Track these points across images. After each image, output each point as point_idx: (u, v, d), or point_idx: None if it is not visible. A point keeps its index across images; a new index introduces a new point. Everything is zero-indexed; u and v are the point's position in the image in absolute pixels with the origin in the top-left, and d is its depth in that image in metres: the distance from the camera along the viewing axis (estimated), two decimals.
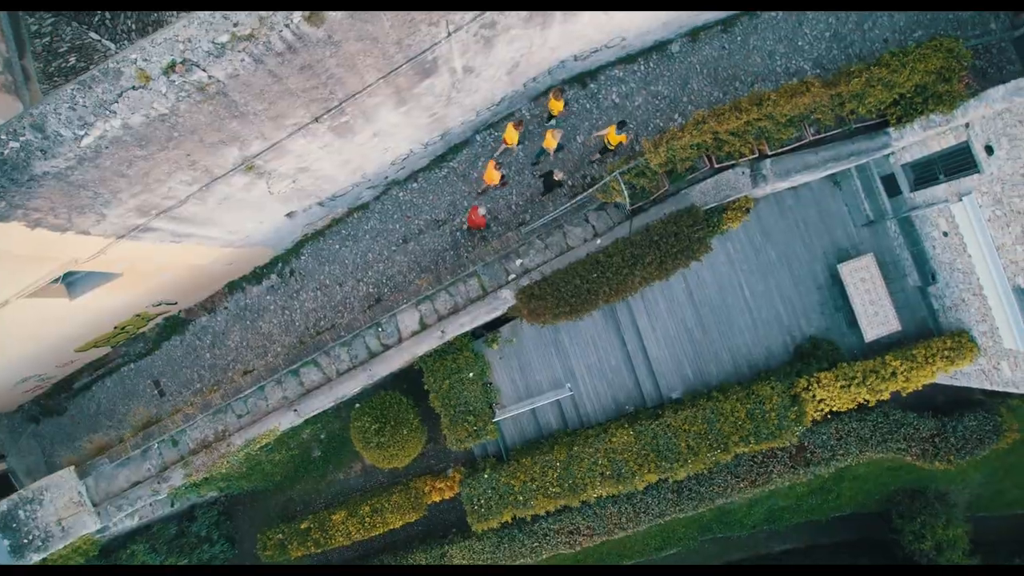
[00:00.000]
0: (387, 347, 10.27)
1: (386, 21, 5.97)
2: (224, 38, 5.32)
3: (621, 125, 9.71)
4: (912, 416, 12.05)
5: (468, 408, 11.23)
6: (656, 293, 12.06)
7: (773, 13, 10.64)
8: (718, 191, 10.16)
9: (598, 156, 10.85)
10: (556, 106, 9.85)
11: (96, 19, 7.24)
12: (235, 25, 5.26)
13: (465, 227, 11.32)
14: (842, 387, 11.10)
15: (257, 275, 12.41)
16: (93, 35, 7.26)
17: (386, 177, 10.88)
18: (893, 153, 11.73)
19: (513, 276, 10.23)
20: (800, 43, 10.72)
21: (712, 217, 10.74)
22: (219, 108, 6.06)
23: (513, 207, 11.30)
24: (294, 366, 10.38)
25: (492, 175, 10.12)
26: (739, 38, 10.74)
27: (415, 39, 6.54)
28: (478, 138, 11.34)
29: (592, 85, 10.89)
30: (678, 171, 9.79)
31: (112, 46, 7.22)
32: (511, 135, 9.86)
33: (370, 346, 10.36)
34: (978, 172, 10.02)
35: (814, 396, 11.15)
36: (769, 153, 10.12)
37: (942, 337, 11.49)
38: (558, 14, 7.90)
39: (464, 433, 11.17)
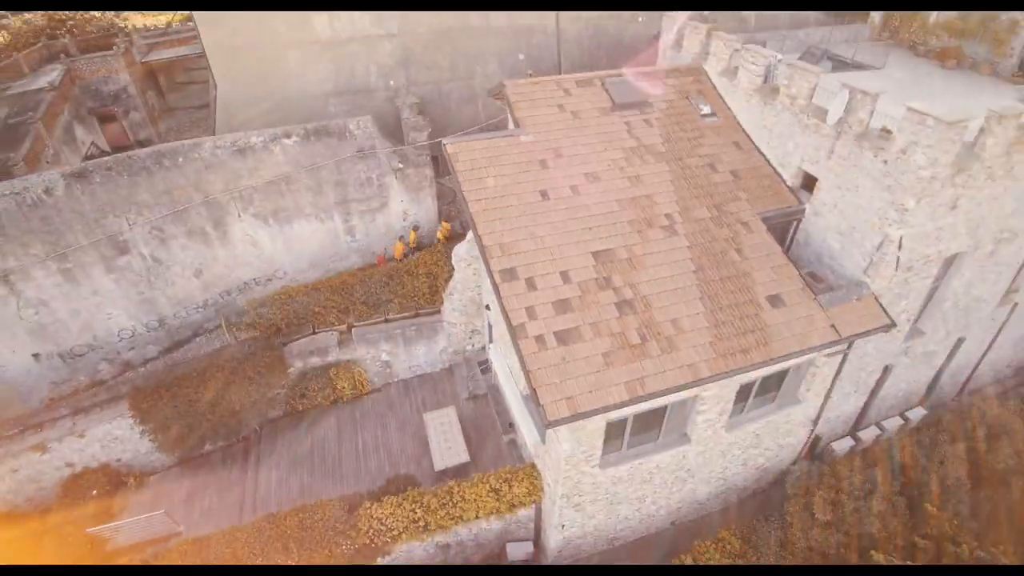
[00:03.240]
0: None
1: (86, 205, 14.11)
2: None
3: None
4: None
5: None
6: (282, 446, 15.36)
7: None
8: (313, 346, 15.56)
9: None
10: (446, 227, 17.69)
11: None
12: None
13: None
14: (397, 505, 12.81)
15: None
16: None
17: (118, 352, 16.66)
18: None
19: None
20: None
21: (322, 374, 15.72)
22: None
23: None
24: None
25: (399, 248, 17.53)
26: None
27: (107, 222, 14.48)
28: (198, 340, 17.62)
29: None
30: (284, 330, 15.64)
31: None
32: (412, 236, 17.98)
33: None
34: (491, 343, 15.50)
35: (371, 515, 12.69)
36: (355, 324, 16.03)
37: (510, 468, 13.77)
38: (213, 236, 16.03)
39: None
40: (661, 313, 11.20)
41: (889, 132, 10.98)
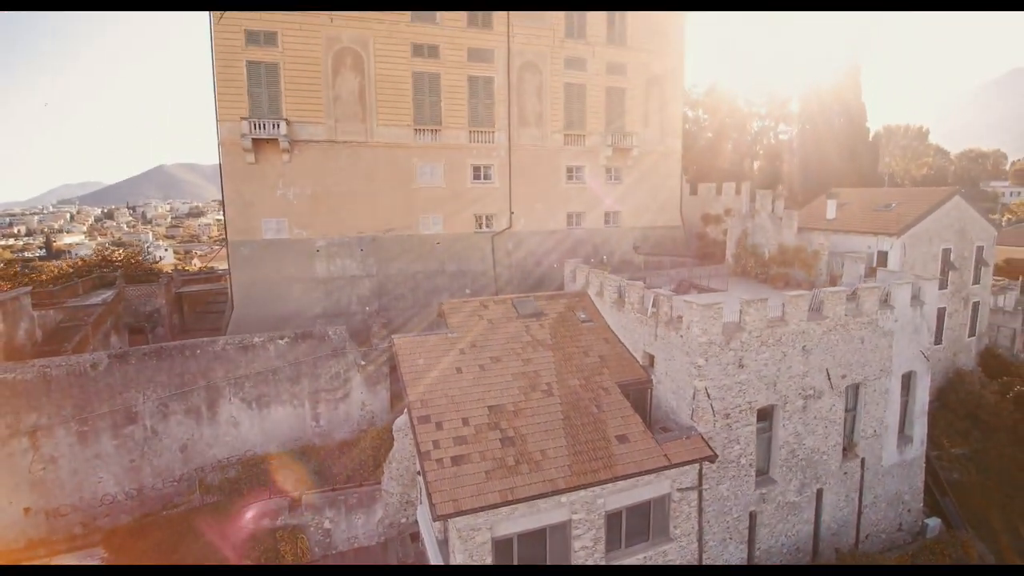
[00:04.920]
0: None
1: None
2: None
3: None
4: None
5: None
6: None
7: None
8: (267, 508, 18.60)
9: None
10: None
11: None
12: None
13: None
14: None
15: None
16: None
17: (94, 518, 19.38)
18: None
19: None
20: None
21: (269, 537, 18.47)
22: None
23: None
24: None
25: None
26: None
27: (128, 395, 19.23)
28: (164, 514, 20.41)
29: None
30: None
31: None
32: None
33: None
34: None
35: None
36: (306, 492, 19.26)
37: None
38: (205, 415, 20.46)
39: None
40: (533, 445, 15.32)
41: (681, 317, 16.85)
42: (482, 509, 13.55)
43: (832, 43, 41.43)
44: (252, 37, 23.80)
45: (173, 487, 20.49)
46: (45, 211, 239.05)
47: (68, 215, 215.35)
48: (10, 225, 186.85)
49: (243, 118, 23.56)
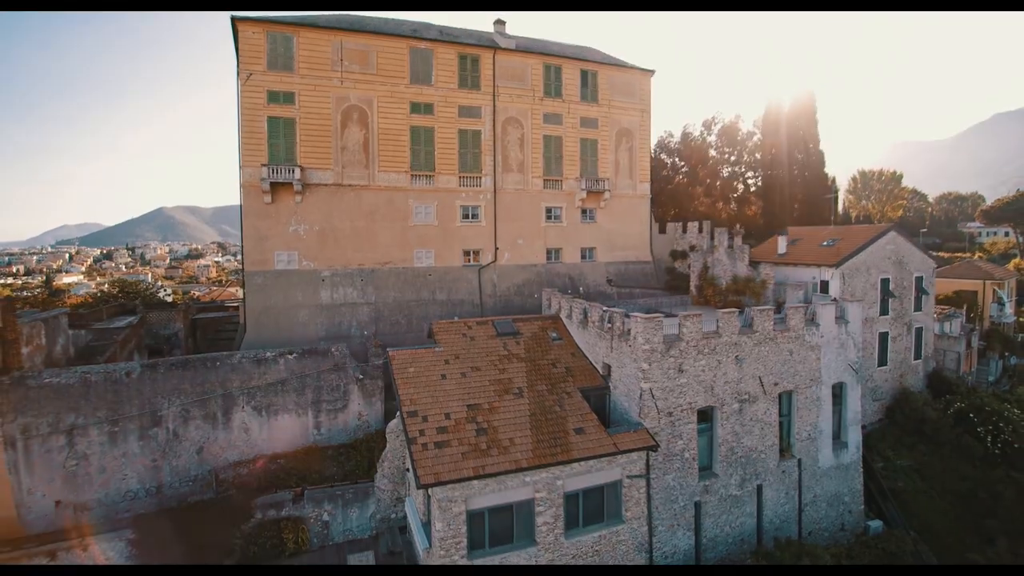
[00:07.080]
0: None
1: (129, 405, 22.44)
2: None
3: None
4: None
5: None
6: None
7: None
8: (273, 500, 21.60)
9: None
10: None
11: None
12: None
13: None
14: None
15: None
16: None
17: (117, 512, 22.29)
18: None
19: None
20: None
21: (274, 526, 21.44)
22: None
23: None
24: None
25: None
26: None
27: (155, 400, 22.52)
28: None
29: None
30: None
31: None
32: None
33: None
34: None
35: None
36: (308, 487, 22.27)
37: None
38: (220, 420, 23.68)
39: None
40: (503, 435, 18.61)
41: (629, 330, 20.41)
42: (459, 480, 16.77)
43: (793, 90, 46.52)
44: (273, 96, 28.38)
45: (188, 486, 23.50)
46: (44, 251, 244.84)
47: (67, 255, 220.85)
48: (9, 264, 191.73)
49: (263, 164, 27.84)
